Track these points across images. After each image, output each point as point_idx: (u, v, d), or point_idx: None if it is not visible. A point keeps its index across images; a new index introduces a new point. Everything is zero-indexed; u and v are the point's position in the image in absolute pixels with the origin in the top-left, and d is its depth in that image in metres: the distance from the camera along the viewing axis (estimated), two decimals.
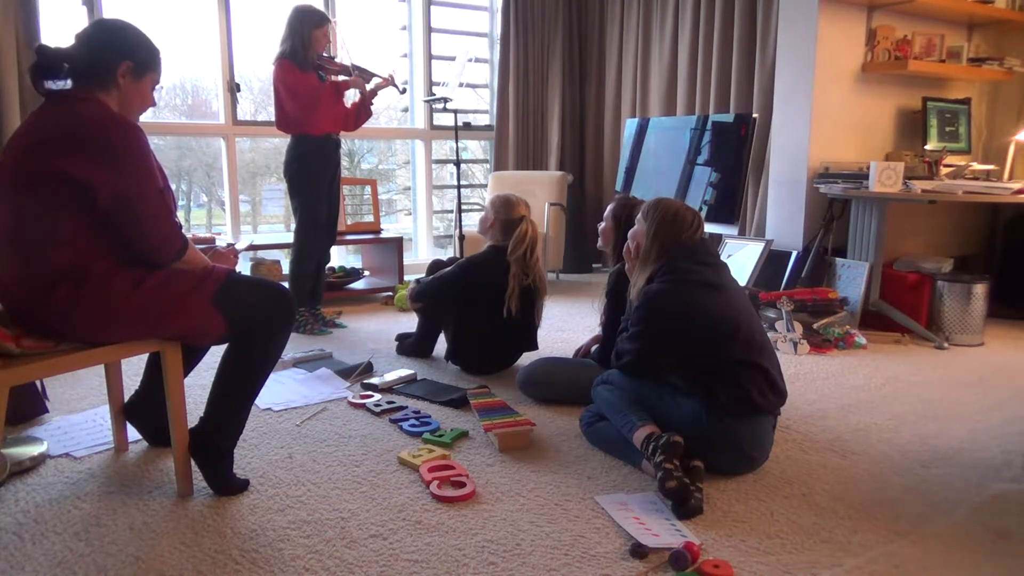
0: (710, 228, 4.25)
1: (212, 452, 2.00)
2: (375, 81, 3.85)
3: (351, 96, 3.91)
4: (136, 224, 1.83)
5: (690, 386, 2.14)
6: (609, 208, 2.84)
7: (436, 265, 3.37)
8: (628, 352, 2.25)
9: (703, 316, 2.11)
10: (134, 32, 1.94)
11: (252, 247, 4.31)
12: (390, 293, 4.65)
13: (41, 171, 1.76)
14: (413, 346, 3.40)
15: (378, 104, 4.00)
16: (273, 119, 3.69)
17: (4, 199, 1.81)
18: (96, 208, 1.78)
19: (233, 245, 2.42)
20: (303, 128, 3.63)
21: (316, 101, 3.59)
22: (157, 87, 2.02)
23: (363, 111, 3.89)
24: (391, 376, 2.98)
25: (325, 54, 3.74)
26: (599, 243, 2.90)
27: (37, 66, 1.85)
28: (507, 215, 3.09)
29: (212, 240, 4.27)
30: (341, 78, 3.78)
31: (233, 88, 4.70)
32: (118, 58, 1.88)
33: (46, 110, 1.84)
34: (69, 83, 1.88)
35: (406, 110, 5.73)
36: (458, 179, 4.69)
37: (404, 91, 4.03)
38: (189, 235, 1.98)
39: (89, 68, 1.87)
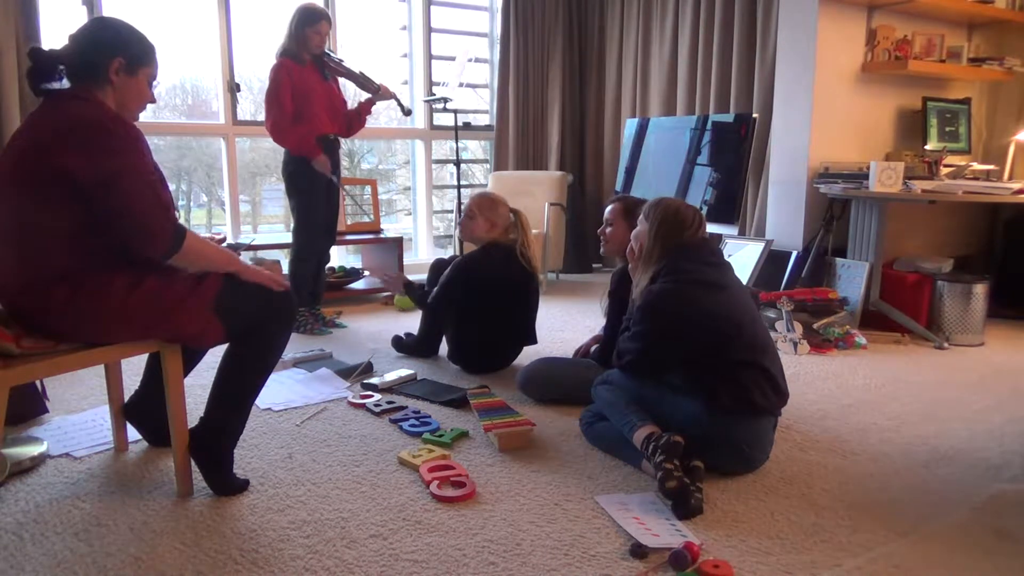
0: (710, 228, 4.25)
1: (212, 452, 2.00)
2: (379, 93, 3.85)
3: (350, 97, 3.92)
4: (123, 218, 1.78)
5: (691, 386, 2.14)
6: (614, 210, 2.82)
7: (438, 264, 3.37)
8: (629, 351, 2.25)
9: (705, 316, 2.12)
10: (125, 28, 1.93)
11: (252, 247, 4.31)
12: (390, 293, 4.65)
13: (38, 171, 1.76)
14: (416, 346, 3.40)
15: (379, 104, 4.00)
16: None
17: (3, 200, 1.81)
18: (88, 202, 1.76)
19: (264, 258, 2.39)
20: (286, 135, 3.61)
21: (295, 111, 3.57)
22: (155, 82, 2.01)
23: (356, 121, 3.88)
24: (391, 376, 2.98)
25: (335, 55, 3.74)
26: (602, 250, 2.89)
27: (32, 69, 1.85)
28: (506, 214, 3.12)
29: (213, 240, 4.27)
30: (364, 91, 3.79)
31: (233, 88, 4.70)
32: (109, 55, 1.87)
33: (43, 110, 1.84)
34: (66, 83, 1.88)
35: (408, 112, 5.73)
36: (458, 179, 4.69)
37: (409, 112, 4.04)
38: None
39: (82, 67, 1.86)
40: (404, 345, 3.43)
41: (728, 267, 2.29)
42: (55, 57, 1.87)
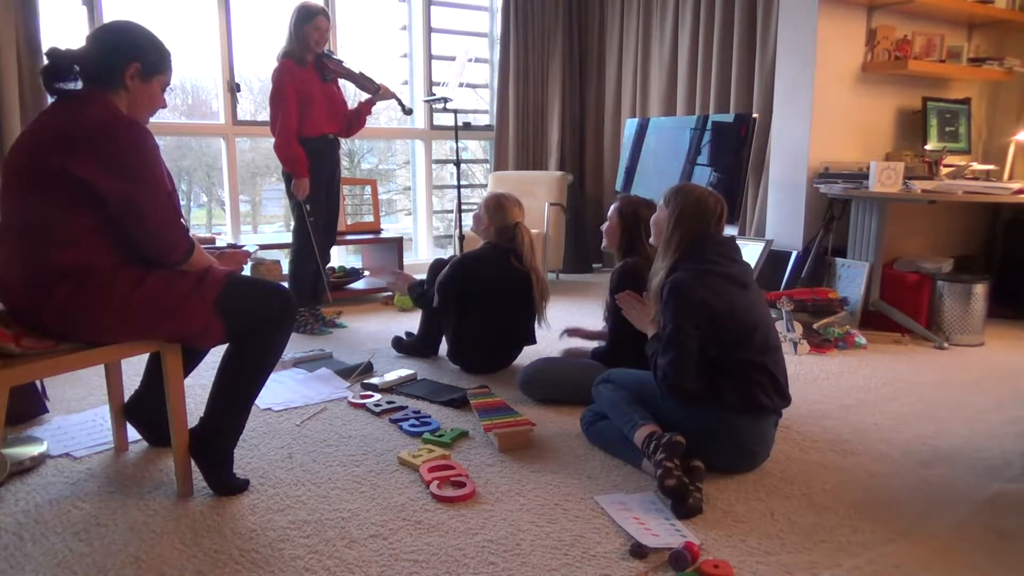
0: None
1: (212, 452, 2.01)
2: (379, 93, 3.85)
3: (350, 97, 3.92)
4: (144, 228, 1.84)
5: None
6: (614, 206, 2.84)
7: (438, 264, 3.37)
8: (667, 366, 2.09)
9: (728, 309, 2.07)
10: (143, 34, 1.94)
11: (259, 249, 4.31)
12: (390, 293, 4.65)
13: (49, 171, 1.76)
14: (416, 345, 3.40)
15: (379, 104, 4.00)
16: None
17: (11, 197, 1.82)
18: (103, 210, 1.79)
19: (244, 247, 2.42)
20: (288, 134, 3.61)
21: (299, 107, 3.57)
22: (167, 89, 2.02)
23: (355, 122, 3.88)
24: (391, 376, 2.98)
25: (335, 55, 3.74)
26: (603, 244, 2.90)
27: (48, 68, 1.86)
28: (502, 221, 3.12)
29: (212, 240, 4.27)
30: (366, 93, 3.79)
31: (233, 88, 4.70)
32: (126, 60, 1.88)
33: (56, 110, 1.85)
34: (80, 84, 1.88)
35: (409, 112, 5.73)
36: (458, 179, 4.69)
37: (410, 111, 4.04)
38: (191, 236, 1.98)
39: (98, 69, 1.87)
40: (404, 345, 3.43)
41: (748, 267, 2.25)
42: (72, 57, 1.87)
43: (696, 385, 2.08)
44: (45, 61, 1.87)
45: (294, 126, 3.57)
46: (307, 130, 3.63)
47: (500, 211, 3.14)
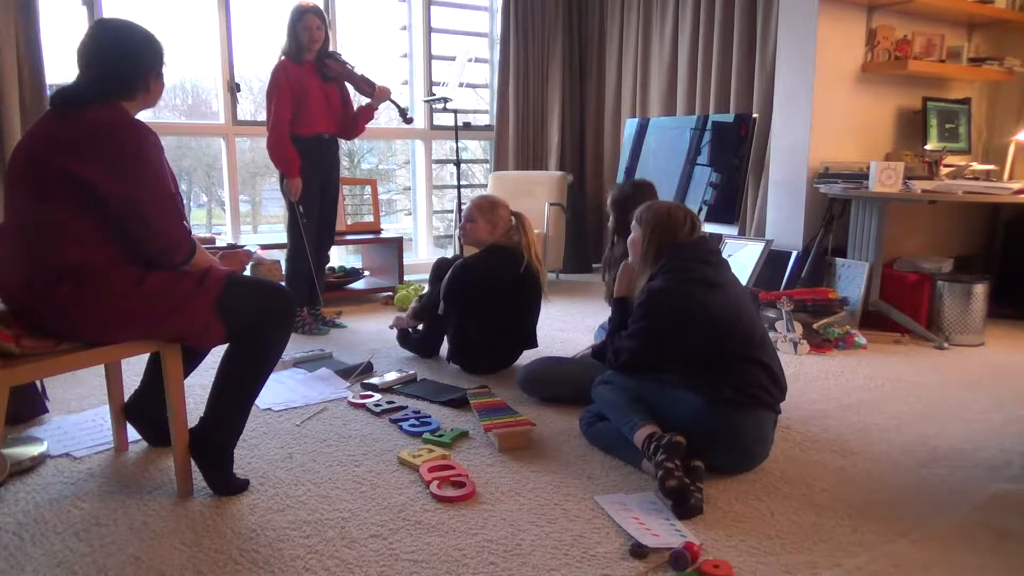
0: (710, 228, 4.26)
1: (212, 452, 2.01)
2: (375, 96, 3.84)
3: (358, 101, 3.92)
4: (146, 229, 1.84)
5: (692, 381, 2.14)
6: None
7: (441, 264, 3.37)
8: (626, 350, 2.27)
9: (703, 313, 2.13)
10: (144, 35, 1.95)
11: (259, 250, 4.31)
12: (390, 293, 4.65)
13: (52, 171, 1.77)
14: (418, 344, 3.40)
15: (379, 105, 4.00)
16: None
17: (14, 197, 1.83)
18: (105, 210, 1.79)
19: (246, 247, 2.43)
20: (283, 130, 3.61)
21: (288, 113, 3.58)
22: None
23: (354, 128, 3.87)
24: (391, 376, 2.98)
25: (340, 56, 3.73)
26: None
27: (57, 100, 1.85)
28: (503, 216, 3.12)
29: (212, 240, 4.27)
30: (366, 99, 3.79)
31: (233, 88, 4.70)
32: (147, 70, 1.93)
33: (61, 111, 1.85)
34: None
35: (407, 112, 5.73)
36: (458, 179, 4.69)
37: (411, 120, 4.03)
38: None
39: (119, 88, 1.88)
40: (408, 342, 3.43)
41: (725, 265, 2.31)
42: (79, 91, 1.86)
43: (638, 369, 2.27)
44: (50, 96, 1.88)
45: (286, 124, 3.56)
46: (302, 129, 3.63)
47: (496, 208, 3.12)
